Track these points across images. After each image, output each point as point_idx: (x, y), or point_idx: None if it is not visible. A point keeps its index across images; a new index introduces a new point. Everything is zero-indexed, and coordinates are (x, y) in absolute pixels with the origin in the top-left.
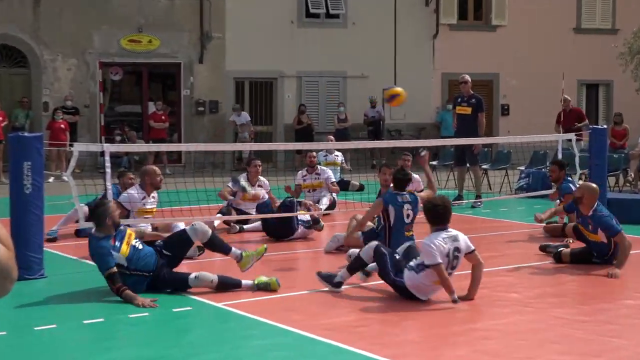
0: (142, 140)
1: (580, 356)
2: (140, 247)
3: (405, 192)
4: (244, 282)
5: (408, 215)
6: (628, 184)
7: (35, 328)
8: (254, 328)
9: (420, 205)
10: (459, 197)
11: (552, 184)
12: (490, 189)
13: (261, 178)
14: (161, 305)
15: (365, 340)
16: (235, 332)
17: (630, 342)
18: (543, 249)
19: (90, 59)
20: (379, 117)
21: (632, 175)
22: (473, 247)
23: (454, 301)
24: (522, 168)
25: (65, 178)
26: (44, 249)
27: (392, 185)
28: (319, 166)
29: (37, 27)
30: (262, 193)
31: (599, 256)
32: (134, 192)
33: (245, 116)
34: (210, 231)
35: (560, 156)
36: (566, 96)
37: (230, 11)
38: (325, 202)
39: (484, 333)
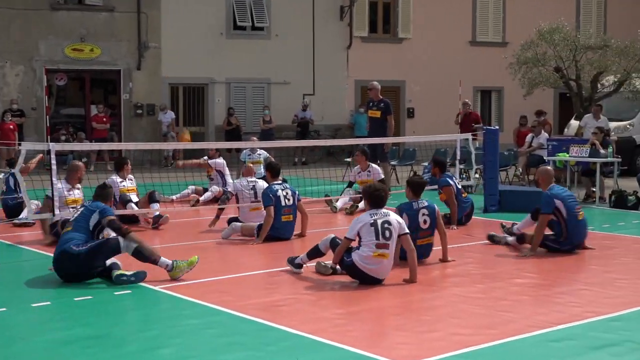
0: (87, 140)
1: (476, 329)
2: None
3: (422, 199)
4: (162, 259)
5: (425, 222)
6: (517, 178)
7: None
8: (189, 308)
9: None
10: None
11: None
12: (398, 182)
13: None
14: (103, 289)
15: (285, 317)
16: (170, 312)
17: (519, 316)
18: (491, 238)
19: (37, 66)
20: (308, 120)
21: (521, 170)
22: (407, 231)
23: (331, 268)
24: (426, 164)
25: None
26: None
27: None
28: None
29: None
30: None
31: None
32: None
33: (170, 114)
34: (135, 245)
35: (458, 154)
36: (466, 100)
37: (165, 23)
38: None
39: (395, 309)
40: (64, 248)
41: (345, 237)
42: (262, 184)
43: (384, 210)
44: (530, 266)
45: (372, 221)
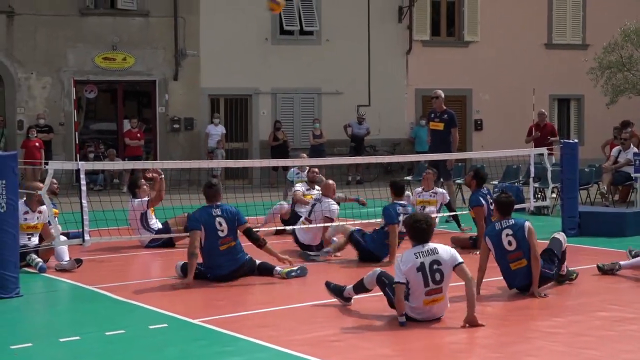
0: (119, 157)
1: None
2: None
3: (508, 217)
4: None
5: (510, 243)
6: (600, 197)
7: (12, 347)
8: (231, 344)
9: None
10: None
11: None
12: (465, 203)
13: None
14: (137, 322)
15: (340, 354)
16: (210, 349)
17: (603, 354)
18: (600, 269)
19: (65, 77)
20: (364, 134)
21: (605, 189)
22: (460, 260)
23: (400, 323)
24: (496, 182)
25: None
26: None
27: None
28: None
29: (11, 45)
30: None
31: None
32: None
33: (221, 129)
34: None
35: (532, 170)
36: (542, 110)
37: (204, 28)
38: None
39: (458, 347)
40: (247, 258)
41: (396, 283)
42: (324, 202)
43: (430, 244)
44: (616, 297)
45: (419, 264)
